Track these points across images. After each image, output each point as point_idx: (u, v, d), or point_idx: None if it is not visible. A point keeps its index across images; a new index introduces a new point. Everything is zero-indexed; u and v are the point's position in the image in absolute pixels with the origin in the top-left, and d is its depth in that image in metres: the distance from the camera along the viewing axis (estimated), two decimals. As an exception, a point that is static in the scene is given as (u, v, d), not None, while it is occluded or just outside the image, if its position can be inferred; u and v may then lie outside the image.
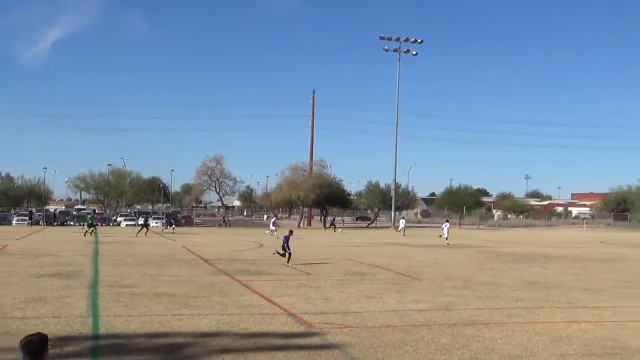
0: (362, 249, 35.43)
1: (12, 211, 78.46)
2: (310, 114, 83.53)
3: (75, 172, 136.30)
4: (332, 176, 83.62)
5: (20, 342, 4.89)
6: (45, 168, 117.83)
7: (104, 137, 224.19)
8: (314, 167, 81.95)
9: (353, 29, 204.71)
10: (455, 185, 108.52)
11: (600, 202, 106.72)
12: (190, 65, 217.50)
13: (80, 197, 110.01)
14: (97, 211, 78.80)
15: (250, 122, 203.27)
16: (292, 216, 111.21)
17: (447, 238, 41.21)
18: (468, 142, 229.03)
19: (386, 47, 75.83)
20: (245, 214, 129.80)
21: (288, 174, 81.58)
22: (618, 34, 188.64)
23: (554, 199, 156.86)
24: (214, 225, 71.73)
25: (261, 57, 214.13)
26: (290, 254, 23.74)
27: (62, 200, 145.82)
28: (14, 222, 67.17)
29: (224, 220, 69.45)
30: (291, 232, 25.53)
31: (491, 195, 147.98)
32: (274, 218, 56.94)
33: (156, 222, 66.19)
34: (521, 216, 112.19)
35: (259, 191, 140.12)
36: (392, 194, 78.73)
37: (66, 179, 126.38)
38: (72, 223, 70.02)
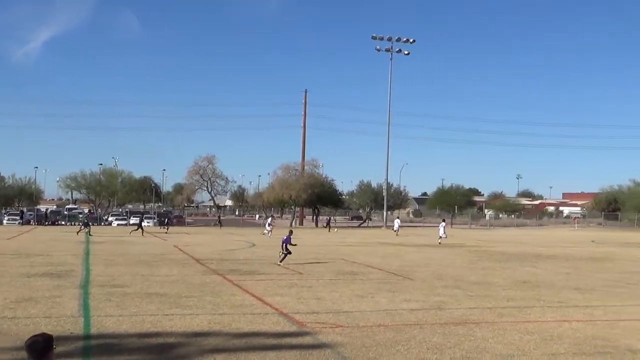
0: (354, 248, 35.46)
1: (3, 211, 78.18)
2: (302, 113, 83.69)
3: (67, 171, 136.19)
4: (324, 176, 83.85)
5: (25, 342, 4.92)
6: (37, 167, 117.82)
7: (96, 137, 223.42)
8: (306, 167, 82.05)
9: (347, 29, 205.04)
10: (447, 184, 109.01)
11: (591, 201, 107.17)
12: (182, 65, 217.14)
13: (72, 197, 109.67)
14: (91, 211, 78.58)
15: (242, 122, 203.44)
16: (284, 216, 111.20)
17: (440, 237, 41.36)
18: (460, 142, 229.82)
19: (378, 47, 75.87)
20: (237, 213, 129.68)
21: (280, 174, 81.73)
22: (618, 34, 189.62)
23: (546, 199, 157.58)
24: (210, 225, 71.49)
25: (253, 57, 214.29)
26: (286, 254, 23.72)
27: (53, 199, 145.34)
28: (4, 221, 66.83)
29: (219, 220, 69.26)
30: (291, 232, 25.50)
31: (483, 195, 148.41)
32: (270, 218, 54.34)
33: (147, 222, 66.02)
34: (513, 216, 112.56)
35: (251, 191, 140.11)
36: (384, 193, 78.84)
37: (57, 179, 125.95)
38: (63, 223, 69.75)
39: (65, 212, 78.28)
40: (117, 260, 24.99)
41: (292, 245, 23.91)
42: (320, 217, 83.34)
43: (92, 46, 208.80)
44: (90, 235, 42.69)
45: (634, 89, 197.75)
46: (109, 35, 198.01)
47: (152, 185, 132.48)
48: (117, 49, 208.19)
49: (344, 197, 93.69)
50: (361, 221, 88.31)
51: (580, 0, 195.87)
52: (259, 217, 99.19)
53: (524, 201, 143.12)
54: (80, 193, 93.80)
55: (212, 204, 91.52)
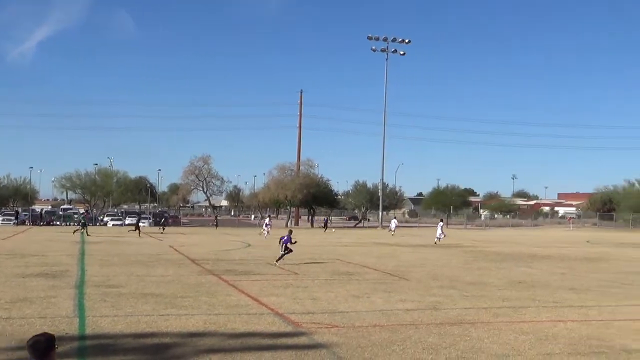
0: (350, 248, 35.47)
1: (-2, 211, 77.93)
2: (298, 113, 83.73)
3: (62, 171, 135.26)
4: (319, 176, 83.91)
5: (27, 342, 4.90)
6: (32, 167, 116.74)
7: (91, 137, 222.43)
8: (301, 167, 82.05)
9: (347, 30, 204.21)
10: (443, 185, 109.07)
11: (586, 202, 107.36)
12: (178, 65, 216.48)
13: (67, 197, 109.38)
14: (87, 211, 78.44)
15: (238, 122, 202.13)
16: (279, 216, 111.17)
17: (438, 237, 41.42)
18: (456, 142, 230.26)
19: (374, 47, 76.01)
20: (232, 213, 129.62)
21: (276, 174, 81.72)
22: (618, 34, 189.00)
23: (541, 199, 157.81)
24: (206, 225, 71.44)
25: (249, 57, 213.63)
26: (284, 253, 23.73)
27: (48, 200, 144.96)
28: (-1, 222, 66.73)
29: (216, 220, 69.18)
30: (291, 231, 25.54)
31: (478, 195, 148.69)
32: (267, 218, 53.26)
33: (143, 222, 65.95)
34: (508, 216, 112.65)
35: (246, 191, 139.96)
36: (380, 193, 78.91)
37: (52, 179, 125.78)
38: (58, 223, 69.61)
39: (61, 213, 78.17)
40: (112, 261, 24.95)
41: (293, 243, 24.02)
42: (316, 218, 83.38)
43: (87, 46, 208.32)
44: (87, 235, 42.99)
45: (634, 89, 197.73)
46: (104, 35, 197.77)
47: (148, 185, 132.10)
48: (112, 48, 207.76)
49: (339, 197, 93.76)
50: (357, 221, 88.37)
51: (580, 0, 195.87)
52: (255, 217, 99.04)
53: (519, 201, 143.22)
54: (75, 193, 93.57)
55: (208, 204, 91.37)
